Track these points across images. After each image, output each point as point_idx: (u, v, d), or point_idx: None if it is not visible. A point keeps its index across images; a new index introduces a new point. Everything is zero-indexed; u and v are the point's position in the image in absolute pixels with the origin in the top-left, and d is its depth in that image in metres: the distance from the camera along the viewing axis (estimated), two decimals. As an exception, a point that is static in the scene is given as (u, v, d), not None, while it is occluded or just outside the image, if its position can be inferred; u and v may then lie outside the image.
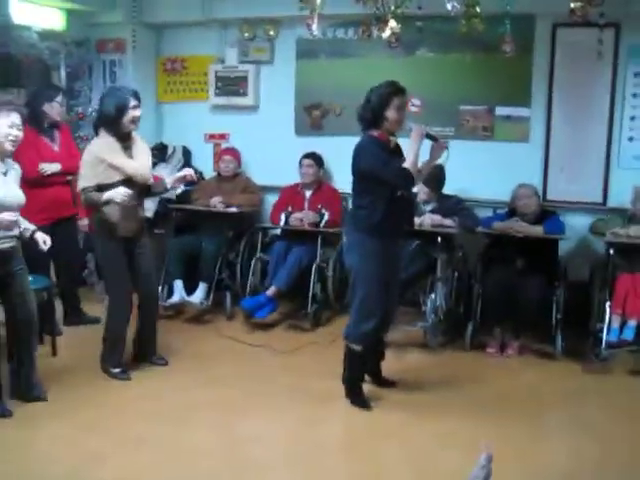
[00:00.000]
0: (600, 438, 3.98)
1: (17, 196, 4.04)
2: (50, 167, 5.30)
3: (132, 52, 6.95)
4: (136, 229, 4.64)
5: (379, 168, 4.07)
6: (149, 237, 4.87)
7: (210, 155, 7.08)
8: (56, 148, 5.45)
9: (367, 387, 4.47)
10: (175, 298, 5.86)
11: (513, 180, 5.78)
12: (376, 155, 4.10)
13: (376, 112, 4.11)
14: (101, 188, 4.44)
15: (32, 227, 4.16)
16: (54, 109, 5.39)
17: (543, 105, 6.04)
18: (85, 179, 4.47)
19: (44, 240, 4.11)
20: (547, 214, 5.64)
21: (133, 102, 4.49)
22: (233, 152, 6.63)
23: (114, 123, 4.48)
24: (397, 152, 4.24)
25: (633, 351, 4.99)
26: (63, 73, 6.75)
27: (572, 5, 4.00)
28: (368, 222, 4.14)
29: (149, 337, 4.92)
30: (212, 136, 7.10)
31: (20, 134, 4.00)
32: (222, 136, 7.06)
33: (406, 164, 4.05)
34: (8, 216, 3.86)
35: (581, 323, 5.41)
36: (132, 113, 4.47)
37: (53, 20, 6.49)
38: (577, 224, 5.89)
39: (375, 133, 4.17)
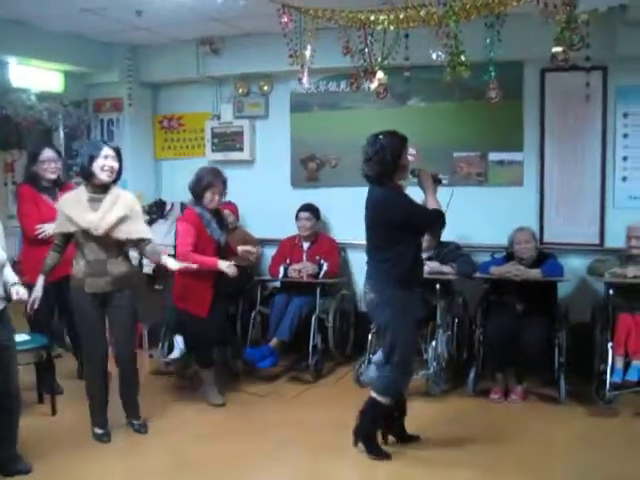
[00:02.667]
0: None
1: None
2: (49, 227, 5.23)
3: (129, 111, 7.07)
4: (106, 286, 4.45)
5: (417, 215, 4.14)
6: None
7: (208, 210, 7.12)
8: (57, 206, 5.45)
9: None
10: (175, 354, 5.82)
11: (510, 224, 5.79)
12: (410, 204, 4.14)
13: (395, 163, 4.10)
14: (71, 238, 4.45)
15: (12, 280, 3.95)
16: (39, 168, 5.41)
17: (536, 149, 6.10)
18: (55, 226, 4.56)
19: (17, 292, 3.88)
20: (545, 257, 5.62)
21: (105, 151, 4.41)
22: (231, 206, 6.66)
23: (87, 173, 4.42)
24: None
25: (638, 392, 4.95)
26: (62, 133, 6.85)
27: (553, 50, 4.07)
28: (396, 274, 4.11)
29: (126, 400, 4.71)
30: (209, 191, 7.16)
31: None
32: (219, 191, 7.12)
33: (431, 206, 4.15)
34: None
35: (585, 365, 5.37)
36: (102, 162, 4.38)
37: (51, 82, 6.64)
38: (575, 266, 5.88)
39: (389, 185, 4.16)
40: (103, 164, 4.39)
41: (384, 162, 4.10)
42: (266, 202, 6.80)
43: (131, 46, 6.93)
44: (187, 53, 6.84)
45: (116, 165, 4.45)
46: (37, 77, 6.42)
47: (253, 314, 6.07)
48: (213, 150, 7.06)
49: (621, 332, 5.02)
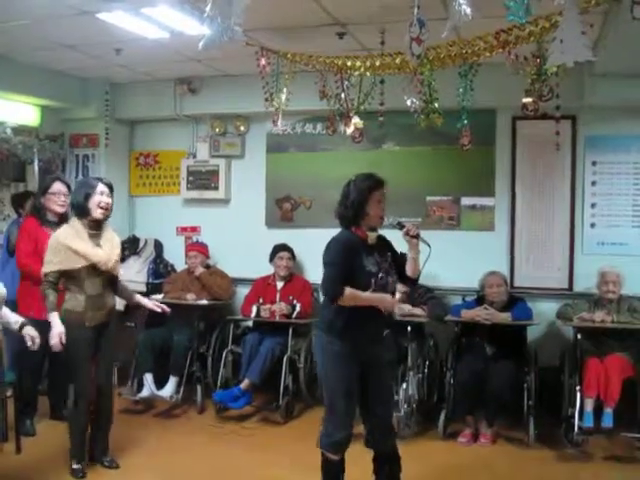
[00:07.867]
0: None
1: None
2: None
3: (105, 147, 7.08)
4: (101, 318, 4.50)
5: (329, 267, 3.81)
6: (117, 328, 4.77)
7: (181, 248, 7.12)
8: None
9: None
10: (144, 392, 5.78)
11: (480, 268, 5.87)
12: (334, 253, 3.82)
13: (357, 209, 3.81)
14: (65, 274, 4.38)
15: (20, 320, 3.96)
16: (48, 200, 5.33)
17: (507, 194, 6.22)
18: (48, 264, 4.39)
19: (32, 338, 3.93)
20: (515, 300, 5.70)
21: (100, 188, 4.46)
22: (198, 247, 6.66)
23: (83, 209, 4.45)
24: (378, 247, 3.93)
25: (607, 435, 4.99)
26: (36, 167, 6.82)
27: (524, 100, 4.18)
28: (333, 324, 3.84)
29: (100, 434, 4.66)
30: (184, 229, 7.19)
31: None
32: (194, 229, 7.15)
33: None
34: None
35: (554, 408, 5.41)
36: (98, 198, 4.43)
37: (27, 116, 6.63)
38: (545, 310, 5.96)
39: (353, 229, 3.87)
40: (99, 200, 4.45)
41: (345, 207, 3.86)
42: (240, 241, 6.83)
43: (109, 83, 6.97)
44: (165, 92, 6.90)
45: (110, 201, 4.53)
46: (13, 110, 6.42)
47: (224, 353, 6.03)
48: (188, 188, 7.10)
49: (590, 376, 5.05)
